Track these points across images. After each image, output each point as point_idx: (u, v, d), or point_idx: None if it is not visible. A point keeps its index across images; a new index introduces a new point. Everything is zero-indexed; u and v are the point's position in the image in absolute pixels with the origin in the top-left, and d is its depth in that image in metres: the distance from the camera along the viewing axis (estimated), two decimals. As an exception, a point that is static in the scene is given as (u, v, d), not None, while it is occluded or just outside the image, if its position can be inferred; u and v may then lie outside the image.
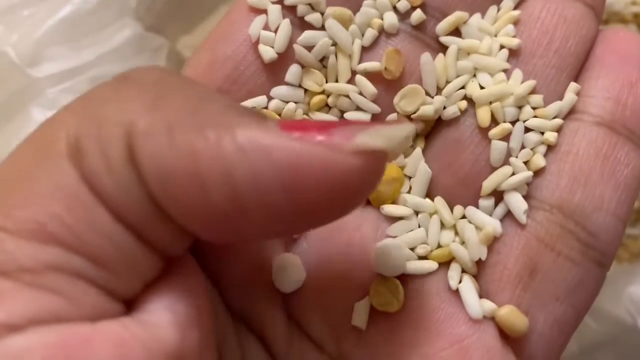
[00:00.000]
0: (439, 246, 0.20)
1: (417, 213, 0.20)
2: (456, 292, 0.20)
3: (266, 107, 0.20)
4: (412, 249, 0.20)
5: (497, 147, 0.20)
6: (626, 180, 0.20)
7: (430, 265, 0.20)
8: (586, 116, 0.20)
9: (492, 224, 0.20)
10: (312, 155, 0.14)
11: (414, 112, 0.20)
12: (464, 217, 0.20)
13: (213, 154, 0.14)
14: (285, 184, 0.14)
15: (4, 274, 0.14)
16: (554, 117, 0.21)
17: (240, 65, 0.20)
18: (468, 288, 0.20)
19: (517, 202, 0.20)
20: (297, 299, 0.20)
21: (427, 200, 0.20)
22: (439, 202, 0.20)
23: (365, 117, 0.20)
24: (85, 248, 0.14)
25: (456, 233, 0.20)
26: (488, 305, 0.19)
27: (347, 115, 0.21)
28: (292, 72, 0.20)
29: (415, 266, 0.20)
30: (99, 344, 0.14)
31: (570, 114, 0.21)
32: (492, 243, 0.20)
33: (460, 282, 0.20)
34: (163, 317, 0.15)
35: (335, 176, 0.14)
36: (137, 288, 0.15)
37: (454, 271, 0.20)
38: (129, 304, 0.15)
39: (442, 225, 0.20)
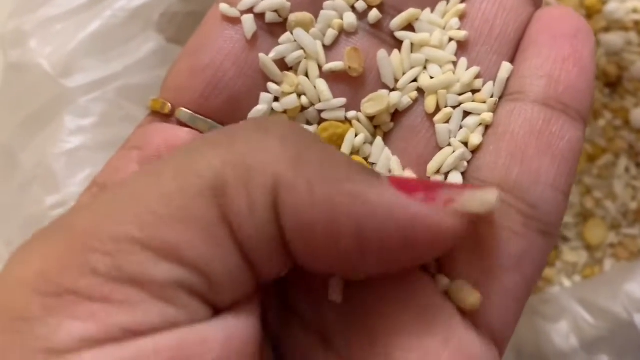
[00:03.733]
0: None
1: None
2: (418, 270, 0.20)
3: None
4: None
5: (441, 129, 0.22)
6: (562, 153, 0.21)
7: None
8: (522, 96, 0.21)
9: None
10: (425, 216, 0.17)
11: (372, 114, 0.22)
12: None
13: (349, 209, 0.16)
14: (405, 240, 0.17)
15: (137, 284, 0.15)
16: (489, 98, 0.22)
17: (219, 72, 0.21)
18: None
19: (456, 180, 0.21)
20: (286, 281, 0.20)
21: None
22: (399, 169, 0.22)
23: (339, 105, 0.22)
24: (209, 274, 0.16)
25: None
26: (444, 281, 0.20)
27: (318, 106, 0.22)
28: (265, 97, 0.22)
29: None
30: (212, 342, 0.16)
31: (507, 94, 0.22)
32: None
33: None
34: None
35: (438, 233, 0.17)
36: (232, 302, 0.17)
37: None
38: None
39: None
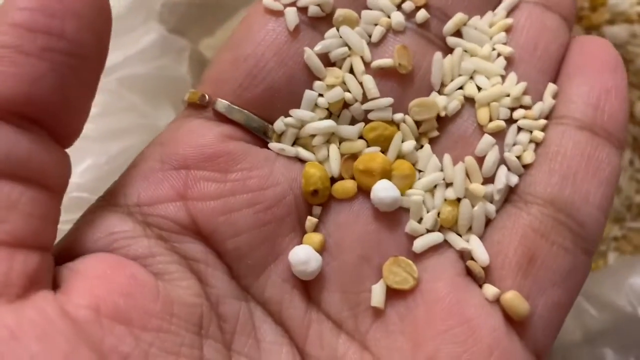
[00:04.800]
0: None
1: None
2: (465, 278, 0.22)
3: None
4: (420, 221, 0.22)
5: (486, 140, 0.22)
6: (608, 178, 0.22)
7: (437, 236, 0.22)
8: (571, 120, 0.22)
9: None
10: None
11: (421, 120, 0.22)
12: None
13: None
14: None
15: None
16: (539, 117, 0.23)
17: (260, 63, 0.21)
18: (475, 242, 0.22)
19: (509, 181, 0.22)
20: (317, 282, 0.21)
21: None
22: (451, 169, 0.22)
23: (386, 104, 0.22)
24: None
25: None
26: (492, 290, 0.21)
27: (366, 106, 0.22)
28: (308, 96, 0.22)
29: (425, 240, 0.22)
30: (25, 337, 0.16)
31: (556, 117, 0.23)
32: (491, 234, 0.22)
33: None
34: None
35: None
36: (48, 230, 0.18)
37: (456, 236, 0.22)
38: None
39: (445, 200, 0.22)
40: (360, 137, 0.22)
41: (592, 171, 0.22)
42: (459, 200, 0.22)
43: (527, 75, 0.23)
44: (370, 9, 0.23)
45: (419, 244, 0.22)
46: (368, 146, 0.22)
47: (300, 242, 0.21)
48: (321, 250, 0.21)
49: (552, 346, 0.22)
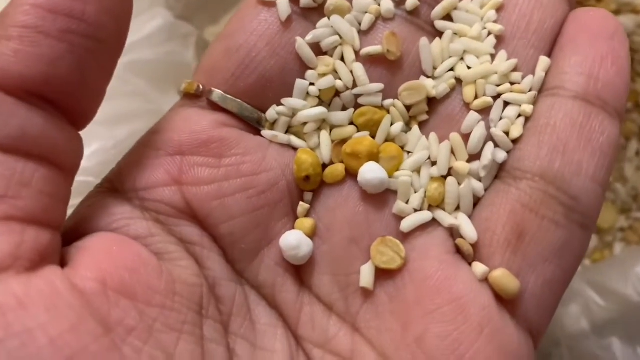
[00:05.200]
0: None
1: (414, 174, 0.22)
2: (454, 256, 0.21)
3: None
4: (407, 202, 0.22)
5: (472, 116, 0.22)
6: (602, 147, 0.21)
7: (425, 215, 0.21)
8: (562, 91, 0.22)
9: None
10: None
11: (410, 104, 0.22)
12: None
13: None
14: None
15: None
16: (529, 91, 0.22)
17: (252, 53, 0.22)
18: (463, 219, 0.21)
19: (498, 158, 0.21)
20: (308, 265, 0.21)
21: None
22: (436, 147, 0.22)
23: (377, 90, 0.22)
24: None
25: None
26: (481, 268, 0.21)
27: (356, 91, 0.22)
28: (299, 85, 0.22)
29: (412, 219, 0.21)
30: (33, 306, 0.16)
31: (547, 89, 0.22)
32: (480, 211, 0.21)
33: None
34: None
35: None
36: (59, 208, 0.18)
37: (444, 214, 0.22)
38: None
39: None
40: (351, 124, 0.22)
41: (584, 141, 0.21)
42: (445, 178, 0.22)
43: (519, 52, 0.23)
44: None
45: (406, 224, 0.21)
46: (358, 131, 0.22)
47: (293, 227, 0.21)
48: (312, 234, 0.21)
49: (548, 325, 0.21)
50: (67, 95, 0.18)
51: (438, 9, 0.23)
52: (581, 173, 0.21)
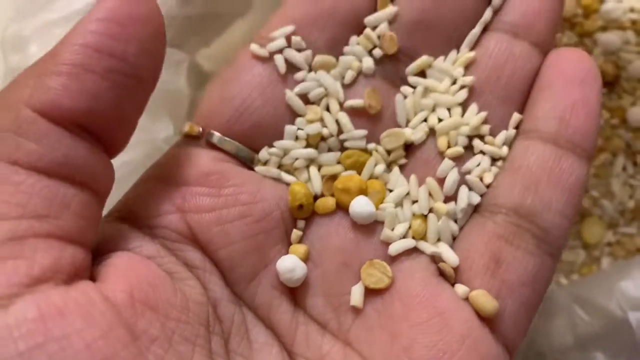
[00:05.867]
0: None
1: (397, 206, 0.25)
2: (437, 278, 0.23)
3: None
4: (393, 230, 0.24)
5: (445, 163, 0.24)
6: (570, 187, 0.23)
7: (410, 242, 0.24)
8: (535, 134, 0.24)
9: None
10: None
11: (391, 149, 0.25)
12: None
13: None
14: None
15: None
16: (502, 145, 0.24)
17: (246, 102, 0.24)
18: (444, 247, 0.24)
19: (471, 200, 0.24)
20: (302, 288, 0.23)
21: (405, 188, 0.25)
22: (416, 188, 0.24)
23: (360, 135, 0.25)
24: (27, 209, 0.18)
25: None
26: (462, 288, 0.23)
27: (343, 136, 0.25)
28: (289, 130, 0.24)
29: (399, 244, 0.24)
30: (70, 314, 0.17)
31: (522, 132, 0.24)
32: (459, 241, 0.24)
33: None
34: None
35: None
36: (92, 230, 0.20)
37: (427, 244, 0.24)
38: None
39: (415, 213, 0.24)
40: (338, 163, 0.25)
41: (554, 181, 0.23)
42: (425, 216, 0.24)
43: (490, 104, 0.25)
44: (346, 55, 0.25)
45: (393, 248, 0.24)
46: (345, 170, 0.25)
47: (287, 253, 0.23)
48: (305, 259, 0.23)
49: (522, 342, 0.23)
50: (106, 128, 0.20)
51: (412, 67, 0.25)
52: (551, 209, 0.23)
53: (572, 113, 0.24)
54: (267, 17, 0.41)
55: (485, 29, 0.26)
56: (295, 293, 0.23)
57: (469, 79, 0.25)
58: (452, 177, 0.24)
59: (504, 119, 0.25)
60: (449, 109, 0.25)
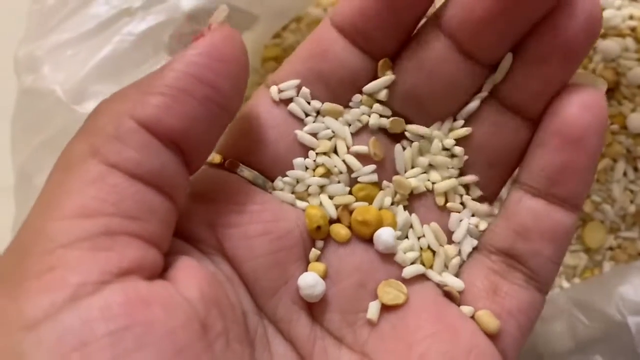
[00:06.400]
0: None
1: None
2: (445, 299, 0.25)
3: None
4: (405, 253, 0.26)
5: (454, 217, 0.26)
6: (559, 237, 0.25)
7: (420, 268, 0.26)
8: (528, 188, 0.25)
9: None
10: None
11: (400, 192, 0.26)
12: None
13: None
14: None
15: (65, 247, 0.19)
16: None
17: (265, 138, 0.25)
18: (449, 275, 0.26)
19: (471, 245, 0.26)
20: (320, 304, 0.24)
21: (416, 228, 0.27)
22: (419, 225, 0.26)
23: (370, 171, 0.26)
24: (120, 209, 0.20)
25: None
26: (468, 308, 0.25)
27: (355, 174, 0.26)
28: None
29: (412, 268, 0.25)
30: (154, 304, 0.19)
31: (518, 181, 0.26)
32: (462, 274, 0.26)
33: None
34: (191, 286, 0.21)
35: None
36: (169, 236, 0.22)
37: (434, 273, 0.26)
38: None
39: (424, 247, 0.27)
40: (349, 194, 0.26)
41: (543, 232, 0.25)
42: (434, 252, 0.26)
43: (479, 170, 0.26)
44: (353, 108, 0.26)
45: (408, 272, 0.25)
46: (356, 201, 0.26)
47: (306, 270, 0.25)
48: (324, 277, 0.24)
49: None
50: (195, 148, 0.22)
51: (410, 127, 0.26)
52: (539, 255, 0.25)
53: (561, 174, 0.25)
54: (275, 27, 0.42)
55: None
56: (313, 309, 0.24)
57: (459, 150, 0.26)
58: (462, 229, 0.26)
59: (492, 185, 0.27)
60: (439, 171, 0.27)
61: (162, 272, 0.21)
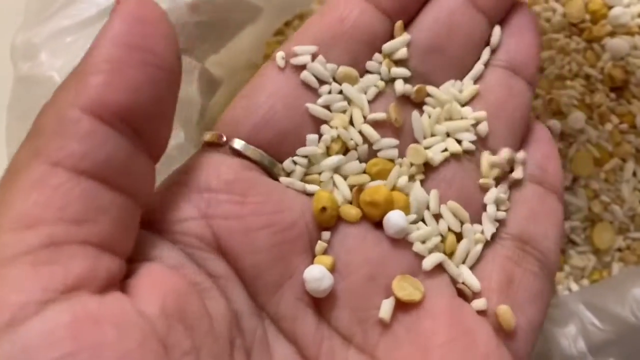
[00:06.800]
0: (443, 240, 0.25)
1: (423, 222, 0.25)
2: (458, 297, 0.24)
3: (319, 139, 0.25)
4: (423, 242, 0.24)
5: (489, 195, 0.27)
6: (558, 221, 0.27)
7: (440, 256, 0.25)
8: (527, 180, 0.27)
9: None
10: None
11: (415, 163, 0.25)
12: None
13: None
14: None
15: (5, 264, 0.17)
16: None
17: (270, 111, 0.24)
18: (466, 271, 0.25)
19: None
20: (328, 300, 0.23)
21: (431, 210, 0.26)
22: (437, 203, 0.25)
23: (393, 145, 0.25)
24: (65, 213, 0.18)
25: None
26: (482, 302, 0.24)
27: (376, 145, 0.25)
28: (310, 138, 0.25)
29: (430, 260, 0.24)
30: (105, 323, 0.17)
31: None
32: (477, 263, 0.25)
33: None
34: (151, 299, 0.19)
35: None
36: (128, 237, 0.20)
37: (452, 264, 0.25)
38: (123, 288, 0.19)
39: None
40: (364, 173, 0.25)
41: (546, 215, 0.27)
42: (456, 235, 0.25)
43: (498, 133, 0.27)
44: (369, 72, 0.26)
45: (427, 263, 0.24)
46: (371, 179, 0.25)
47: (312, 263, 0.23)
48: (332, 271, 0.23)
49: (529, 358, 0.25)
50: (148, 123, 0.20)
51: (434, 91, 0.27)
52: (547, 237, 0.26)
53: (549, 164, 0.28)
54: (277, 23, 0.41)
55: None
56: (319, 305, 0.23)
57: (482, 114, 0.27)
58: (492, 209, 0.26)
59: (511, 146, 0.28)
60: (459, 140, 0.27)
61: (125, 279, 0.20)
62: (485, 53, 0.28)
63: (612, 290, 0.34)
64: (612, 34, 0.41)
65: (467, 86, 0.27)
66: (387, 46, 0.26)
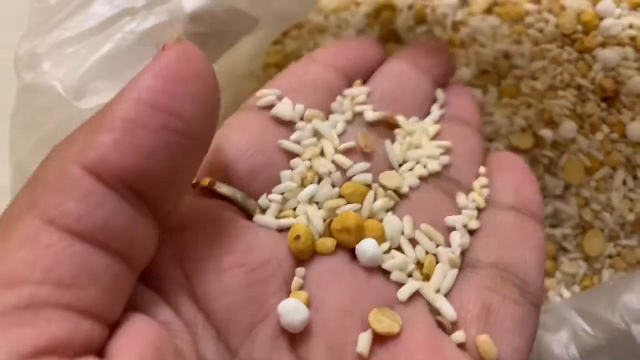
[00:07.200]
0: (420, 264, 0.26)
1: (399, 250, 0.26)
2: (437, 329, 0.24)
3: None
4: (402, 270, 0.25)
5: (454, 219, 0.28)
6: (537, 245, 0.27)
7: (417, 284, 0.24)
8: (499, 204, 0.28)
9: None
10: None
11: (390, 187, 0.26)
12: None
13: None
14: None
15: None
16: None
17: (241, 149, 0.25)
18: (442, 300, 0.25)
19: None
20: (303, 338, 0.22)
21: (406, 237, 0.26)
22: (411, 228, 0.26)
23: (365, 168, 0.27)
24: (52, 275, 0.17)
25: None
26: (461, 334, 0.24)
27: (349, 172, 0.27)
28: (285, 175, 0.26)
29: (406, 290, 0.24)
30: None
31: (489, 203, 0.28)
32: (454, 294, 0.25)
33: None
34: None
35: None
36: (117, 304, 0.18)
37: (429, 292, 0.25)
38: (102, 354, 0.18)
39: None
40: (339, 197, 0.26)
41: (523, 240, 0.27)
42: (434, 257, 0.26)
43: (461, 165, 0.30)
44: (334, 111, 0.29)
45: (404, 293, 0.24)
46: (347, 202, 0.25)
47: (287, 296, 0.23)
48: (307, 307, 0.23)
49: None
50: (156, 189, 0.19)
51: (402, 121, 0.30)
52: (525, 263, 0.26)
53: (524, 188, 0.28)
54: (275, 33, 0.42)
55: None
56: (295, 344, 0.22)
57: (448, 143, 0.30)
58: (458, 238, 0.27)
59: (470, 174, 0.30)
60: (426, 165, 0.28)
61: (105, 342, 0.18)
62: (435, 107, 0.32)
63: (602, 296, 0.35)
64: (603, 45, 0.41)
65: (430, 125, 0.30)
66: (348, 91, 0.30)
